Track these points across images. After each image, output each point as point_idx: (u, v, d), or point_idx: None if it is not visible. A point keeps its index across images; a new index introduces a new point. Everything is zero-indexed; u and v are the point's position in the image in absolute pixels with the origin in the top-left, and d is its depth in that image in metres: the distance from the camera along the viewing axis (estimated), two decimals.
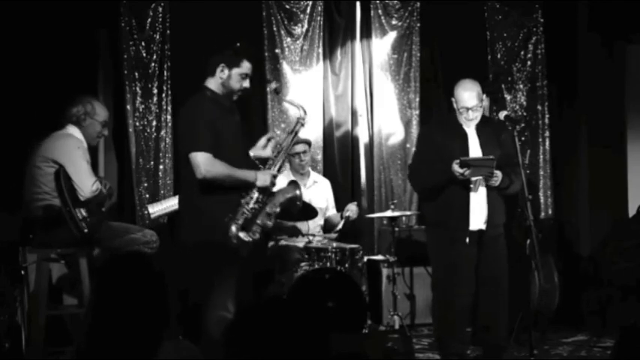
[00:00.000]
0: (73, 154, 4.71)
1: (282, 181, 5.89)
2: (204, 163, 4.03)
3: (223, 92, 4.23)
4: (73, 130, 4.85)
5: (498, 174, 4.55)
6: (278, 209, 4.31)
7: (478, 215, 4.64)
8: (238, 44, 4.30)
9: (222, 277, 4.16)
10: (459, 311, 4.67)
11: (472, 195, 4.62)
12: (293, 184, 4.48)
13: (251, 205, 4.19)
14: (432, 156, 4.63)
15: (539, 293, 4.82)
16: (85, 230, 4.59)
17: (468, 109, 4.60)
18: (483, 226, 4.65)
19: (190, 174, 4.11)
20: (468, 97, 4.59)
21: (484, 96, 4.70)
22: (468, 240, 4.58)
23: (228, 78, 4.18)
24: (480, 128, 4.68)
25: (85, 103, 4.89)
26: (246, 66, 4.21)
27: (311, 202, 5.54)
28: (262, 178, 4.22)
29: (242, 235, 4.13)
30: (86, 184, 4.67)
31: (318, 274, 5.22)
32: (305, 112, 4.47)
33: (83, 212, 4.64)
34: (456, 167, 4.47)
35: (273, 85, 4.40)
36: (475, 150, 4.66)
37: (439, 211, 4.71)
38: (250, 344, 1.98)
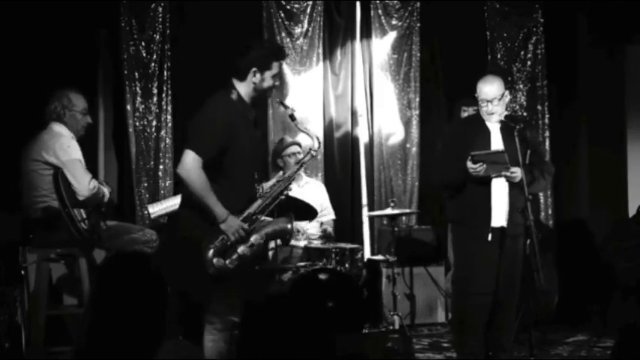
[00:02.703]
0: (65, 154, 4.67)
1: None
2: (190, 163, 3.83)
3: (253, 96, 4.09)
4: (58, 128, 4.80)
5: (516, 170, 4.55)
6: (262, 240, 3.99)
7: (500, 212, 4.63)
8: (266, 45, 4.23)
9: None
10: (477, 309, 4.66)
11: (493, 191, 4.61)
12: (287, 216, 4.11)
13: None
14: (455, 153, 4.63)
15: (539, 293, 4.81)
16: (84, 231, 4.58)
17: (487, 101, 4.64)
18: (505, 223, 4.65)
19: None
20: (488, 90, 4.64)
21: (506, 92, 4.72)
22: (490, 237, 4.59)
23: (261, 81, 4.05)
24: (504, 126, 4.68)
25: (61, 98, 4.83)
26: (276, 66, 4.09)
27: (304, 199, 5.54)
28: (229, 224, 3.87)
29: (216, 261, 3.86)
30: (83, 182, 4.63)
31: (316, 274, 5.22)
32: (319, 142, 4.28)
33: (82, 213, 4.63)
34: (470, 164, 4.48)
35: (289, 111, 4.31)
36: (497, 147, 4.65)
37: (461, 208, 4.71)
38: (252, 344, 1.99)
